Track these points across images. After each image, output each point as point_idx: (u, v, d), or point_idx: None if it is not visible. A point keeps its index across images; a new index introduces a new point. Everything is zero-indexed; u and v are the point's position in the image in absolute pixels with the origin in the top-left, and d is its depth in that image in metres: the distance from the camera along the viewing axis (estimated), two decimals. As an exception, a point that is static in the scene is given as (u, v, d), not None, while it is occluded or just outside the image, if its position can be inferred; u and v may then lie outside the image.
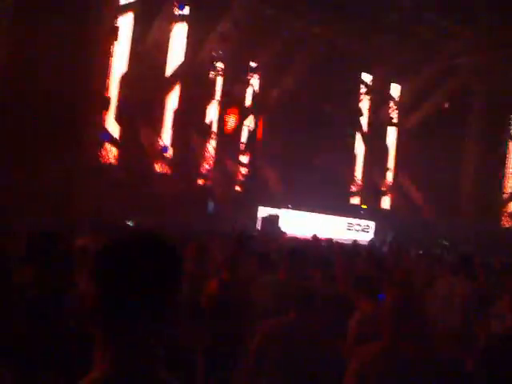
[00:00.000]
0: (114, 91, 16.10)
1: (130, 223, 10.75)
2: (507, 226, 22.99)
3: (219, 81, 18.60)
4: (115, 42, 15.69)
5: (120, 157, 15.93)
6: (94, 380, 1.12)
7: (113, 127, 16.03)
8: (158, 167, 16.74)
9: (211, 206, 16.31)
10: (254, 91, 19.48)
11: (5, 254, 3.85)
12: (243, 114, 19.05)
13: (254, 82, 19.35)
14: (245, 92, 19.27)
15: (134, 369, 1.12)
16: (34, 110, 12.32)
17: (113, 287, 1.13)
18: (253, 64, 19.05)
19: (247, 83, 19.13)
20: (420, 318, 2.80)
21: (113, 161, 15.79)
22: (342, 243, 11.14)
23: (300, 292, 3.41)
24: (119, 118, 16.13)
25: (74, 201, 12.42)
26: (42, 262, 3.20)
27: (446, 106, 21.75)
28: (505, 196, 23.95)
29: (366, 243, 14.93)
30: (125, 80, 16.33)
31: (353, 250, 9.38)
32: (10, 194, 10.70)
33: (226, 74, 18.42)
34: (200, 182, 17.79)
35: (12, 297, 2.88)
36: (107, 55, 15.34)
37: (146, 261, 1.15)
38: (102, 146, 15.41)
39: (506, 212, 23.65)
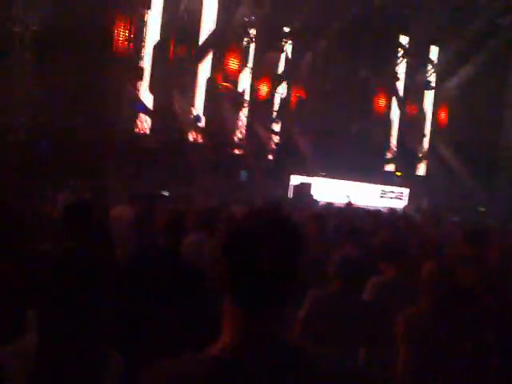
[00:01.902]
0: (147, 61, 16.20)
1: (165, 193, 10.99)
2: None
3: (252, 48, 18.42)
4: (148, 11, 15.73)
5: (154, 127, 16.14)
6: (223, 347, 1.18)
7: (147, 97, 16.21)
8: (191, 136, 16.90)
9: (244, 175, 16.43)
10: (287, 57, 19.21)
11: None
12: (276, 82, 18.88)
13: (288, 47, 19.06)
14: (278, 59, 19.03)
15: (264, 335, 1.17)
16: (69, 81, 12.56)
17: (242, 266, 1.20)
18: (286, 29, 18.73)
19: (280, 49, 18.86)
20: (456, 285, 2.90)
21: (147, 131, 16.03)
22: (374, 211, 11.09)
23: (344, 261, 3.48)
24: (152, 88, 16.27)
25: (112, 171, 12.74)
26: (78, 232, 3.40)
27: (485, 68, 20.97)
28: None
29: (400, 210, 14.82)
30: (158, 49, 16.39)
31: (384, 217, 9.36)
32: (49, 167, 11.06)
33: (258, 40, 18.21)
34: (233, 151, 17.89)
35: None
36: (140, 24, 15.40)
37: (273, 240, 1.21)
38: (136, 116, 15.64)
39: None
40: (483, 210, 16.74)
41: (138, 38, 15.33)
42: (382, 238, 5.32)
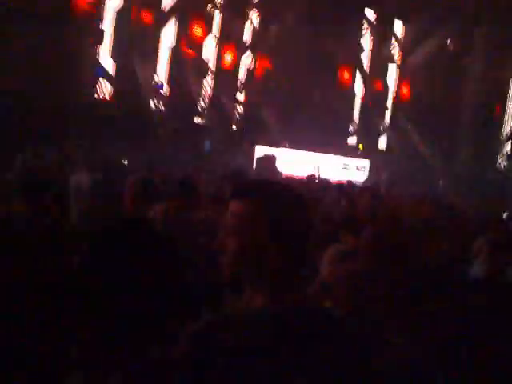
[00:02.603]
0: (108, 24, 15.66)
1: (124, 161, 10.77)
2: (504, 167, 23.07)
3: (217, 15, 18.04)
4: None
5: (115, 93, 15.71)
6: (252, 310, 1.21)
7: (107, 62, 15.72)
8: (153, 104, 16.55)
9: (208, 144, 16.27)
10: (253, 27, 18.94)
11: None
12: (241, 51, 18.61)
13: (254, 17, 18.78)
14: (243, 28, 18.74)
15: (289, 304, 1.20)
16: (27, 45, 12.07)
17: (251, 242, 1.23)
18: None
19: (246, 18, 18.56)
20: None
21: (107, 97, 15.58)
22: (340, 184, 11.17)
23: None
24: (114, 53, 15.78)
25: (70, 138, 12.37)
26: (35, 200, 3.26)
27: (449, 45, 21.26)
28: (503, 137, 23.88)
29: (360, 183, 15.02)
30: (120, 13, 15.84)
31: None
32: (9, 134, 10.65)
33: (224, 8, 17.85)
34: (196, 120, 17.65)
35: None
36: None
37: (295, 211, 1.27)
38: (96, 81, 15.16)
39: (502, 154, 23.67)
40: (441, 182, 17.18)
41: (98, 0, 14.78)
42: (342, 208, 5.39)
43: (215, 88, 18.10)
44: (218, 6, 17.69)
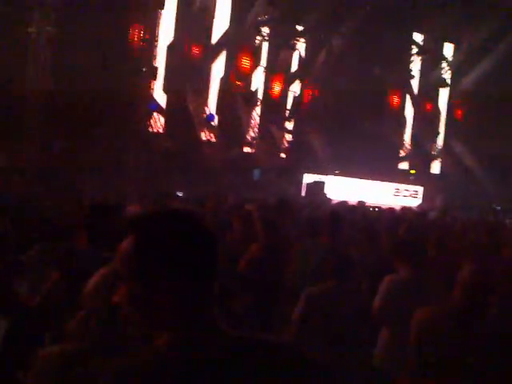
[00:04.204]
0: (161, 60, 16.32)
1: (179, 193, 11.04)
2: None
3: (265, 46, 18.44)
4: (161, 11, 15.85)
5: (167, 126, 16.25)
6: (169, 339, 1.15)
7: (160, 97, 16.33)
8: (204, 135, 16.98)
9: (257, 173, 16.46)
10: (300, 56, 19.21)
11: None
12: (289, 80, 18.88)
13: (301, 46, 19.05)
14: (291, 57, 19.04)
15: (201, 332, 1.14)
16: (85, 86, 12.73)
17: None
18: (299, 27, 18.72)
19: (293, 48, 18.86)
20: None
21: (161, 130, 16.14)
22: (391, 209, 11.05)
23: (339, 260, 3.50)
24: (166, 88, 16.38)
25: (126, 171, 12.87)
26: (94, 233, 3.45)
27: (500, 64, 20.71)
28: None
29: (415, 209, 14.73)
30: (171, 49, 16.50)
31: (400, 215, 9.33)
32: (64, 169, 11.21)
33: (271, 39, 18.22)
34: (246, 149, 17.93)
35: None
36: (154, 24, 15.53)
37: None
38: (150, 115, 15.75)
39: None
40: (498, 208, 16.57)
41: (151, 38, 15.45)
42: (396, 236, 5.31)
43: (264, 117, 18.37)
44: (266, 37, 18.07)
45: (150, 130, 15.78)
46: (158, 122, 16.09)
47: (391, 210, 10.68)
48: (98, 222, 3.46)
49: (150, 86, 15.67)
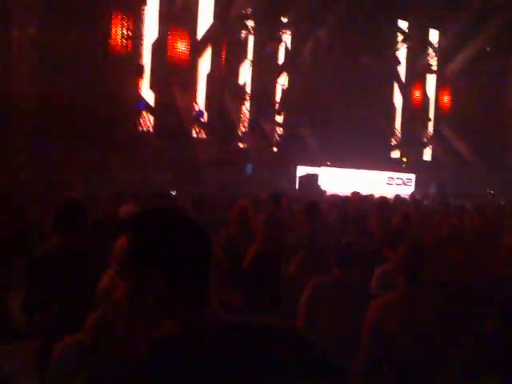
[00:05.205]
0: (146, 58, 16.11)
1: (172, 192, 10.91)
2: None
3: (250, 40, 18.29)
4: (144, 7, 15.63)
5: (156, 124, 16.07)
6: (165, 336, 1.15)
7: (148, 95, 16.15)
8: (194, 132, 16.83)
9: (249, 168, 16.36)
10: (286, 48, 19.07)
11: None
12: (277, 73, 18.75)
13: (287, 38, 18.91)
14: (277, 50, 18.91)
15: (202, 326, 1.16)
16: (72, 88, 12.56)
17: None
18: (284, 20, 18.58)
19: (279, 40, 18.72)
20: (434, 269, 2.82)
21: (150, 129, 15.96)
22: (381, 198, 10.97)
23: (345, 250, 3.45)
24: (154, 85, 16.20)
25: (115, 171, 12.71)
26: (68, 232, 3.36)
27: (488, 49, 20.75)
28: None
29: (407, 197, 14.71)
30: (156, 46, 16.31)
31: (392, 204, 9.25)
32: (52, 170, 11.05)
33: (257, 32, 18.07)
34: (237, 144, 17.81)
35: None
36: (138, 21, 15.31)
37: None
38: (139, 114, 15.58)
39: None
40: (493, 193, 16.61)
41: (136, 36, 15.24)
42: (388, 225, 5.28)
43: (253, 111, 18.25)
44: (251, 30, 17.92)
45: (140, 129, 15.61)
46: (148, 121, 15.91)
47: (383, 198, 10.61)
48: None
49: (137, 85, 15.49)
